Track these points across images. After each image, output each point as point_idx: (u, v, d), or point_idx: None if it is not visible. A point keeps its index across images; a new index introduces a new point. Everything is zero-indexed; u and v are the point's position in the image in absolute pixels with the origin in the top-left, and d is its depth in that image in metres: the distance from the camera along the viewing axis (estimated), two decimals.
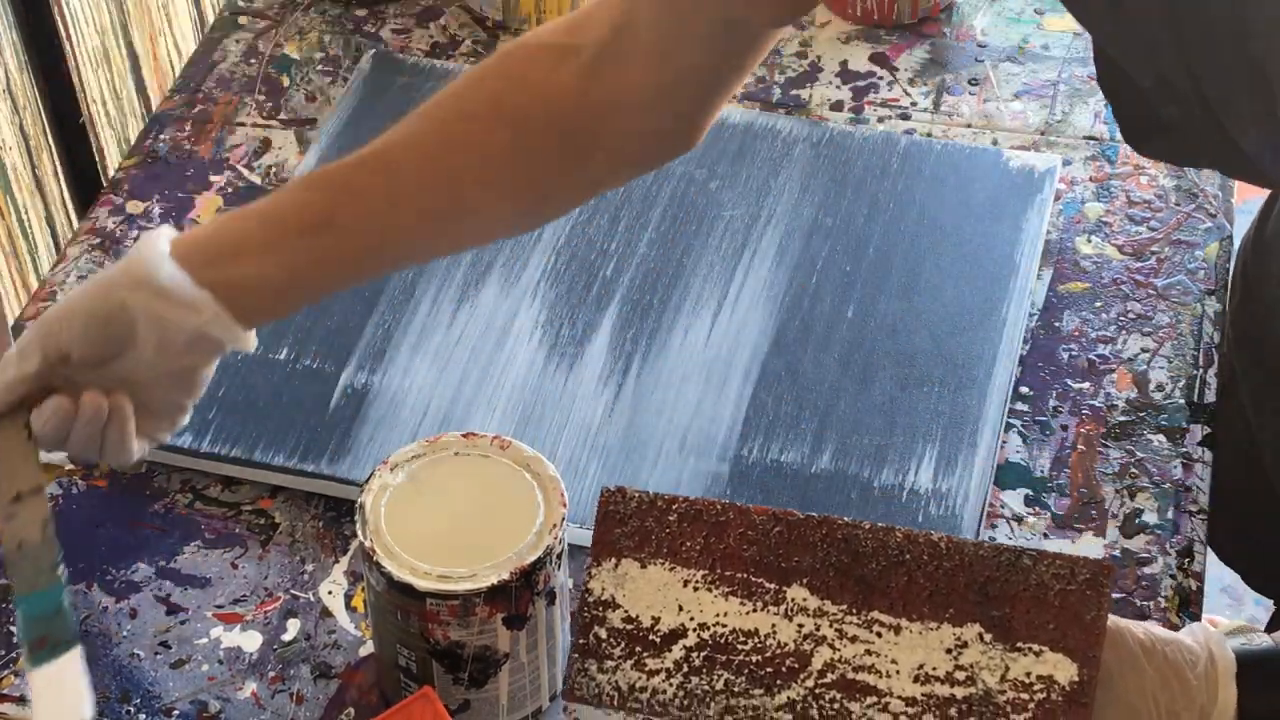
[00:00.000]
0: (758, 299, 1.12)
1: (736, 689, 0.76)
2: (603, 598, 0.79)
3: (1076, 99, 1.26)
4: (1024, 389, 1.08)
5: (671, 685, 0.77)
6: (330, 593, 1.00)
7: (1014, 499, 1.03)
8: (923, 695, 0.73)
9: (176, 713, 0.95)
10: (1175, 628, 0.96)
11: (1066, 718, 0.71)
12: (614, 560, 0.79)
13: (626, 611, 0.78)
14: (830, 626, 0.76)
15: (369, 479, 0.89)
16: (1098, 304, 1.13)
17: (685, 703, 0.76)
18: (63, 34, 1.44)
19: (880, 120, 1.26)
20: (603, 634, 0.78)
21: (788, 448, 1.03)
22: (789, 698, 0.75)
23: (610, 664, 0.78)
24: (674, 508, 0.80)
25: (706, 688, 0.76)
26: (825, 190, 1.19)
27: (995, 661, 0.73)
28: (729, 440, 1.04)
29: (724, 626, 0.77)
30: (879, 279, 1.13)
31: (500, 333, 1.10)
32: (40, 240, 1.48)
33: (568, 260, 1.14)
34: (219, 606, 0.99)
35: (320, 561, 1.01)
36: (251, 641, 0.98)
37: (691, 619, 0.78)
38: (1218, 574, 1.34)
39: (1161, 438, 1.06)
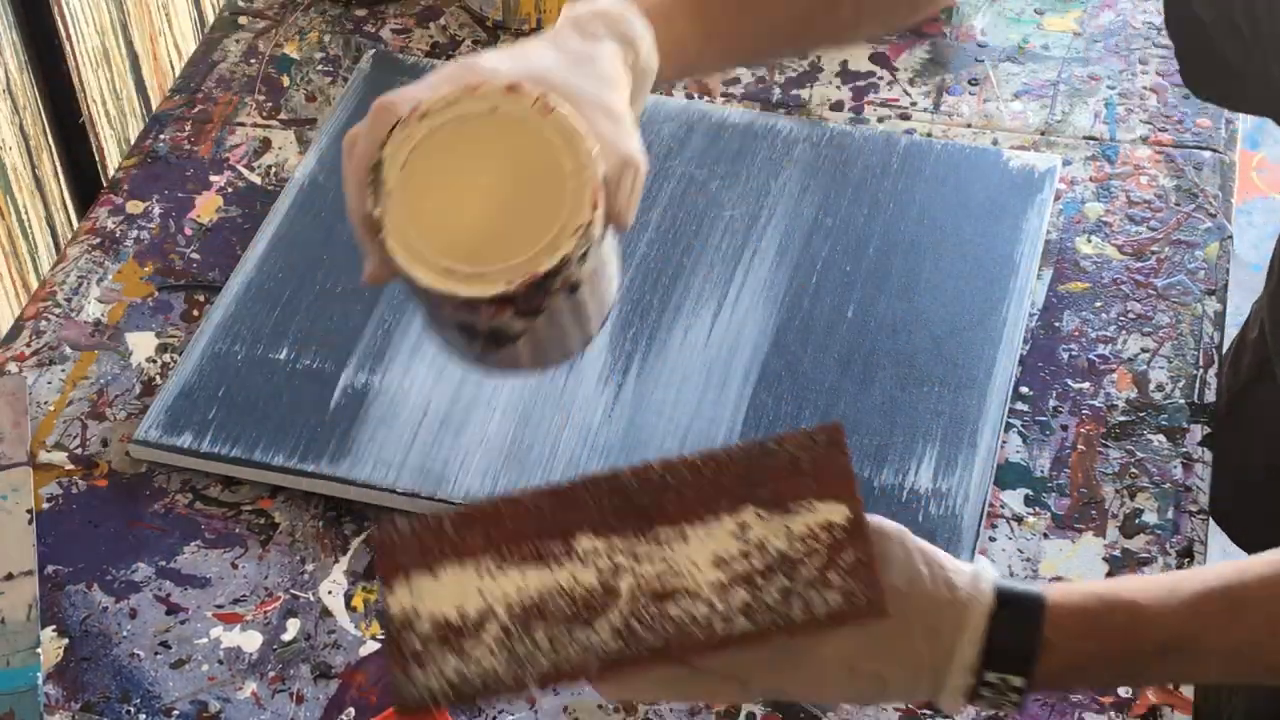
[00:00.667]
0: (758, 299, 1.12)
1: (559, 638, 0.78)
2: (405, 614, 0.79)
3: (1076, 99, 1.26)
4: (1024, 389, 1.08)
5: (498, 660, 0.78)
6: (330, 593, 1.00)
7: (1014, 499, 1.03)
8: (727, 576, 0.78)
9: (176, 713, 0.95)
10: None
11: (854, 548, 0.77)
12: (404, 578, 0.79)
13: (431, 615, 0.79)
14: (624, 556, 0.79)
15: (392, 130, 0.80)
16: (1098, 304, 1.13)
17: (516, 669, 0.78)
18: (63, 34, 1.44)
19: (880, 120, 1.26)
20: (415, 643, 0.78)
21: None
22: (611, 626, 0.78)
23: (432, 664, 0.78)
24: (445, 521, 0.80)
25: (531, 648, 0.78)
26: (825, 190, 1.19)
27: (777, 529, 0.78)
28: (729, 440, 1.04)
29: (528, 592, 0.79)
30: (879, 279, 1.13)
31: None
32: (40, 240, 1.48)
33: None
34: (219, 606, 0.99)
35: (320, 561, 1.01)
36: (251, 641, 0.98)
37: (494, 598, 0.79)
38: None
39: (1161, 438, 1.06)
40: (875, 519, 0.81)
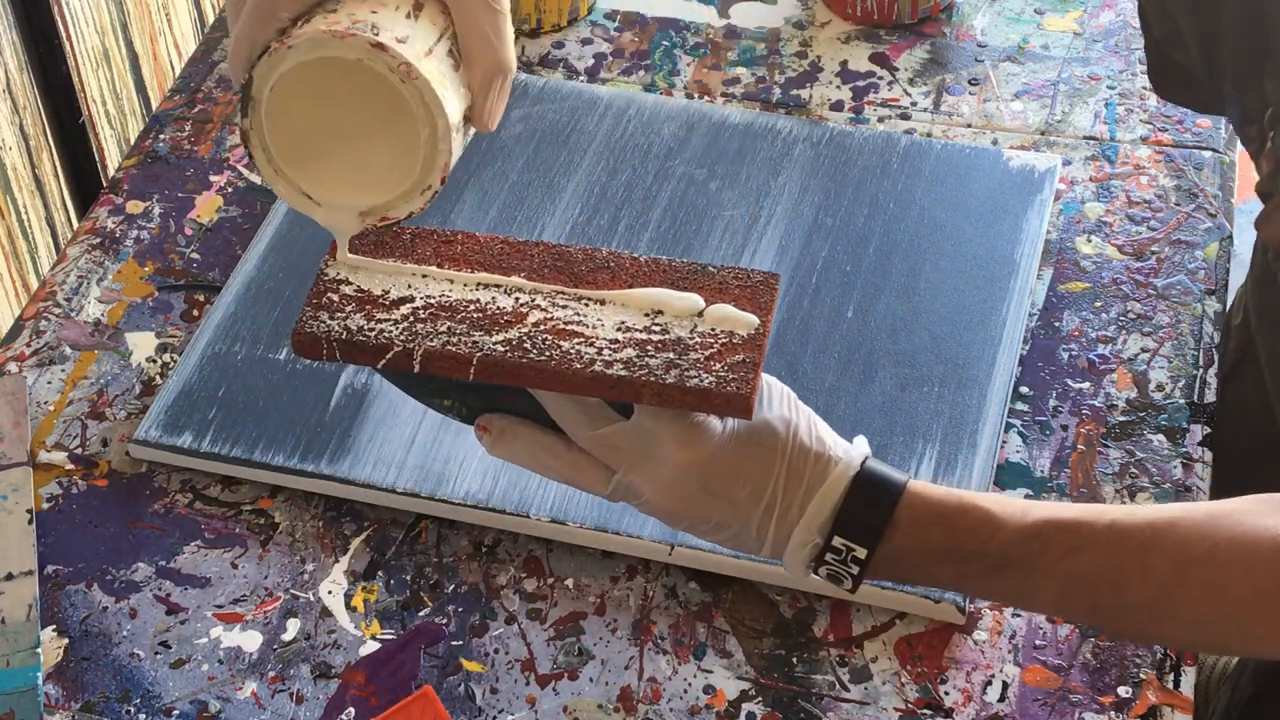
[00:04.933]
0: None
1: (458, 332, 0.85)
2: (337, 278, 0.87)
3: (1076, 99, 1.26)
4: (1024, 389, 1.08)
5: (397, 329, 0.85)
6: (330, 593, 1.00)
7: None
8: (624, 338, 0.85)
9: (176, 713, 0.95)
10: None
11: (744, 352, 0.84)
12: (349, 253, 0.87)
13: (359, 287, 0.86)
14: (544, 299, 0.86)
15: (263, 53, 0.82)
16: (1098, 304, 1.13)
17: (409, 339, 0.84)
18: (63, 34, 1.44)
19: (880, 120, 1.26)
20: (335, 298, 0.86)
21: None
22: (505, 337, 0.85)
23: (340, 315, 0.85)
24: (407, 231, 0.89)
25: (430, 329, 0.85)
26: (825, 190, 1.19)
27: (686, 323, 0.86)
28: None
29: (448, 297, 0.86)
30: (879, 279, 1.13)
31: None
32: (40, 240, 1.48)
33: None
34: (219, 606, 0.99)
35: (320, 561, 1.01)
36: (251, 641, 0.98)
37: (419, 292, 0.87)
38: None
39: (1161, 438, 1.06)
40: (771, 377, 0.88)
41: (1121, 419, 1.07)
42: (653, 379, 0.83)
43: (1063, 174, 1.21)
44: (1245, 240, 1.19)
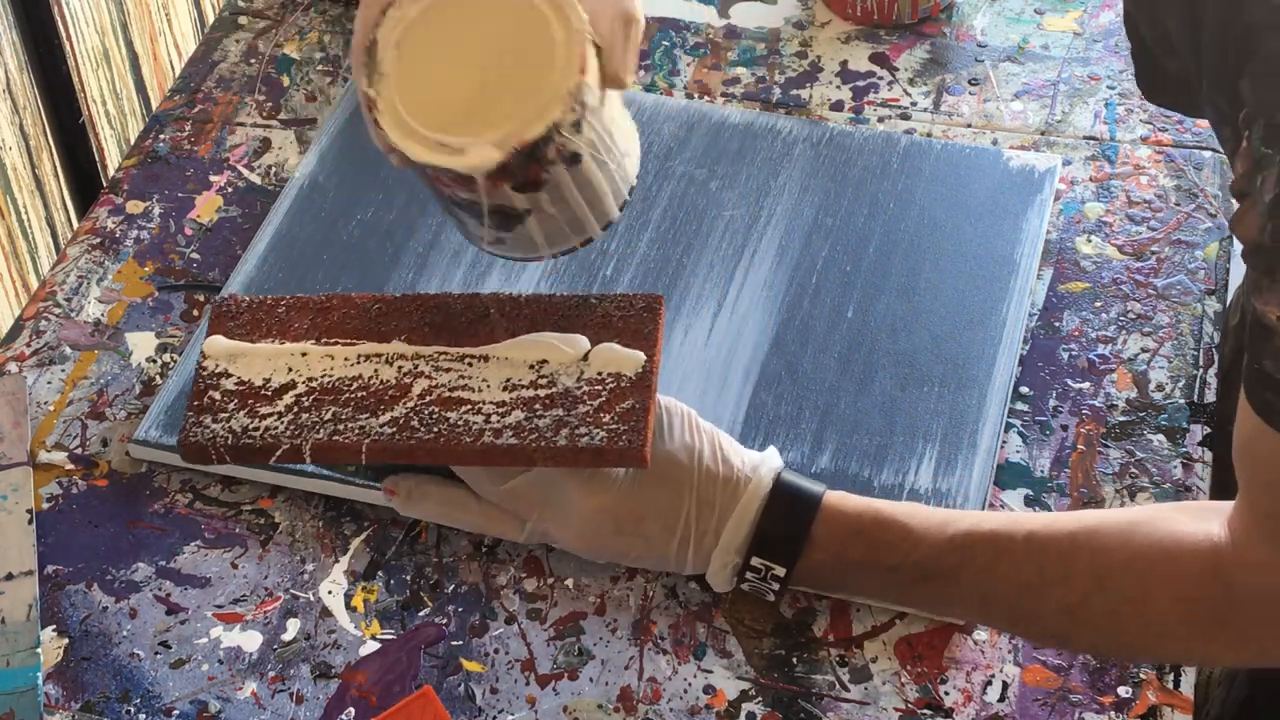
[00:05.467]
0: (758, 299, 1.12)
1: (344, 417, 0.84)
2: (215, 371, 0.86)
3: (1076, 99, 1.26)
4: (1024, 389, 1.08)
5: (283, 423, 0.84)
6: (330, 593, 1.00)
7: (1014, 499, 1.03)
8: (511, 399, 0.83)
9: (176, 713, 0.95)
10: None
11: (634, 396, 0.83)
12: (225, 341, 0.87)
13: (239, 378, 0.86)
14: (426, 364, 0.85)
15: (386, 9, 0.82)
16: (1098, 304, 1.13)
17: (295, 433, 0.83)
18: (63, 34, 1.44)
19: (880, 120, 1.26)
20: (216, 396, 0.85)
21: (788, 447, 1.03)
22: (391, 417, 0.83)
23: (224, 415, 0.84)
24: (282, 303, 0.88)
25: (315, 419, 0.84)
26: (825, 190, 1.19)
27: (571, 369, 0.84)
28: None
29: (330, 376, 0.85)
30: (879, 279, 1.13)
31: None
32: (40, 240, 1.48)
33: (568, 260, 1.14)
34: (219, 606, 0.99)
35: (320, 561, 1.01)
36: (251, 641, 0.98)
37: (300, 375, 0.85)
38: None
39: (1161, 438, 1.06)
40: (670, 400, 0.86)
41: (1121, 419, 1.07)
42: (543, 443, 0.82)
43: (1063, 174, 1.21)
44: None
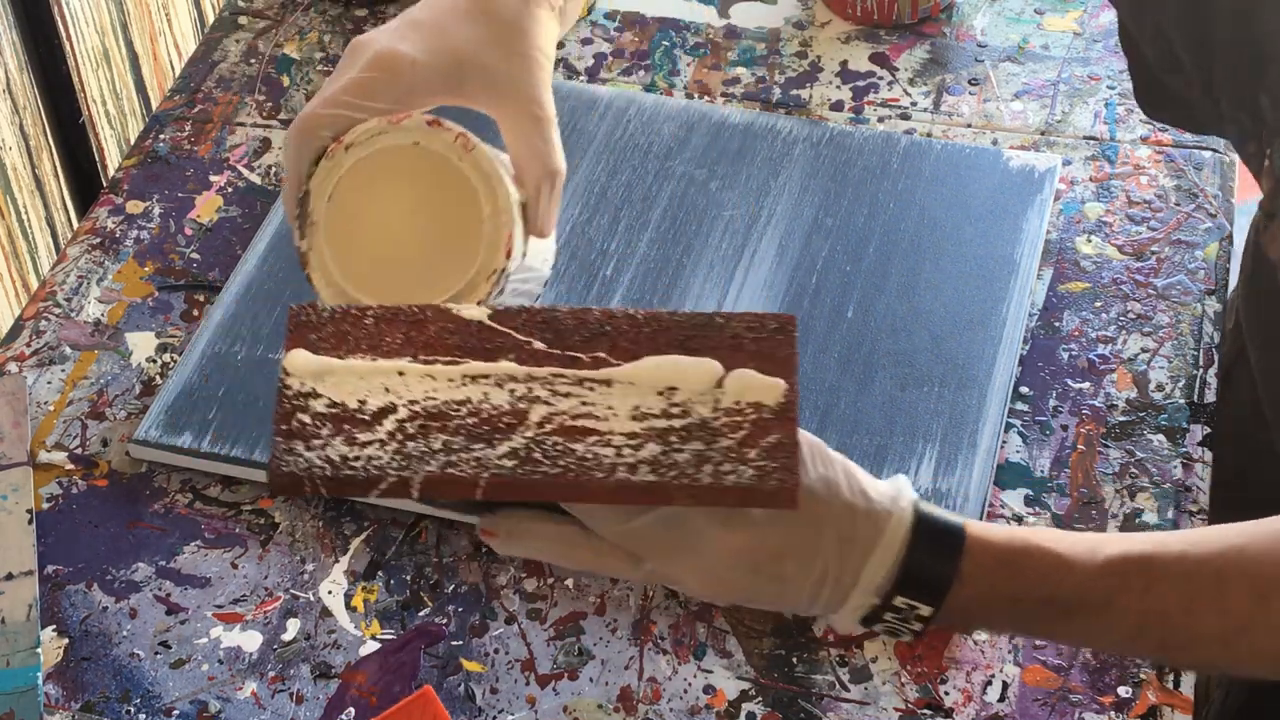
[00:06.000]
0: (758, 299, 1.12)
1: (455, 446, 0.74)
2: (302, 390, 0.76)
3: (1076, 99, 1.26)
4: (1024, 389, 1.08)
5: (386, 452, 0.74)
6: (330, 593, 1.00)
7: (1014, 499, 1.03)
8: (643, 430, 0.75)
9: (176, 713, 0.95)
10: None
11: (779, 430, 0.75)
12: (309, 355, 0.77)
13: (330, 399, 0.76)
14: (542, 388, 0.76)
15: (319, 160, 0.81)
16: (1098, 304, 1.13)
17: (402, 464, 0.74)
18: (63, 34, 1.44)
19: (880, 120, 1.26)
20: (306, 419, 0.75)
21: None
22: (510, 447, 0.74)
23: (318, 442, 0.74)
24: (369, 313, 0.78)
25: (424, 449, 0.74)
26: (825, 190, 1.19)
27: (706, 397, 0.76)
28: None
29: (434, 400, 0.76)
30: (879, 279, 1.13)
31: None
32: (40, 240, 1.48)
33: (567, 260, 1.14)
34: (219, 606, 0.99)
35: (320, 561, 1.01)
36: (251, 641, 0.98)
37: (400, 398, 0.76)
38: None
39: (1161, 438, 1.06)
40: (801, 432, 0.78)
41: (1121, 419, 1.07)
42: (685, 481, 0.73)
43: (1063, 174, 1.21)
44: (1245, 241, 1.19)
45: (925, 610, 0.79)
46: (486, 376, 0.76)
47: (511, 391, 0.76)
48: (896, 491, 0.80)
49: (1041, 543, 0.80)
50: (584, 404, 0.76)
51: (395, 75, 0.83)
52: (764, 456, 0.74)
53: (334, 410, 0.75)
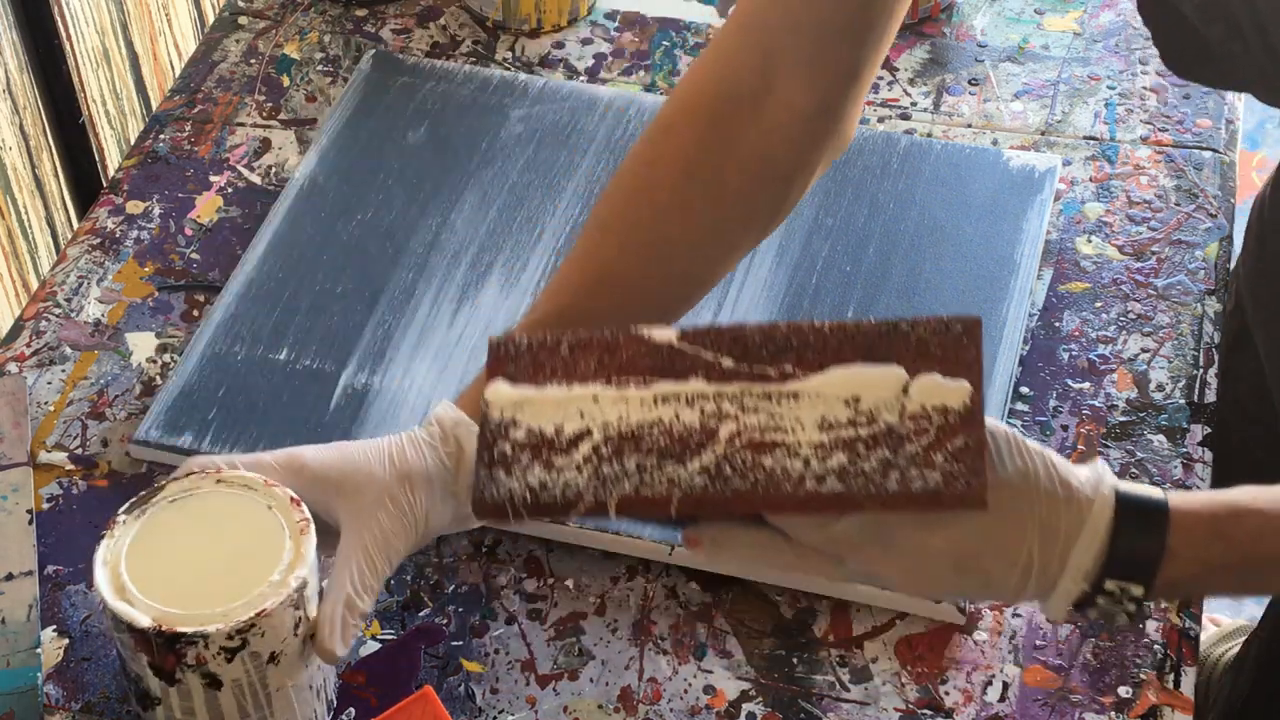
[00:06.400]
0: (758, 299, 1.12)
1: (649, 466, 0.78)
2: (503, 420, 0.80)
3: (1076, 99, 1.26)
4: (1024, 389, 1.08)
5: (583, 476, 0.78)
6: None
7: None
8: (830, 440, 0.77)
9: None
10: (1176, 628, 0.96)
11: (965, 432, 0.76)
12: (508, 385, 0.81)
13: (528, 427, 0.79)
14: (731, 404, 0.78)
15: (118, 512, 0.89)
16: (1098, 304, 1.13)
17: (598, 488, 0.78)
18: (63, 34, 1.44)
19: (880, 120, 1.25)
20: (506, 448, 0.79)
21: None
22: (701, 464, 0.77)
23: (518, 469, 0.78)
24: (563, 341, 0.81)
25: (619, 469, 0.78)
26: (825, 190, 1.19)
27: (891, 404, 0.77)
28: None
29: (627, 421, 0.79)
30: (879, 279, 1.13)
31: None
32: (40, 240, 1.48)
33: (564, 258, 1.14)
34: None
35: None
36: None
37: (594, 421, 0.79)
38: None
39: (1161, 438, 1.06)
40: (992, 421, 0.79)
41: (1121, 419, 1.07)
42: (873, 489, 0.76)
43: (1063, 174, 1.21)
44: (1239, 230, 1.19)
45: (1137, 590, 0.79)
46: (677, 396, 0.79)
47: (702, 409, 0.79)
48: (1097, 477, 0.80)
49: (1245, 503, 0.80)
50: (772, 418, 0.78)
51: (291, 460, 0.90)
52: (951, 460, 0.75)
53: (532, 439, 0.79)
